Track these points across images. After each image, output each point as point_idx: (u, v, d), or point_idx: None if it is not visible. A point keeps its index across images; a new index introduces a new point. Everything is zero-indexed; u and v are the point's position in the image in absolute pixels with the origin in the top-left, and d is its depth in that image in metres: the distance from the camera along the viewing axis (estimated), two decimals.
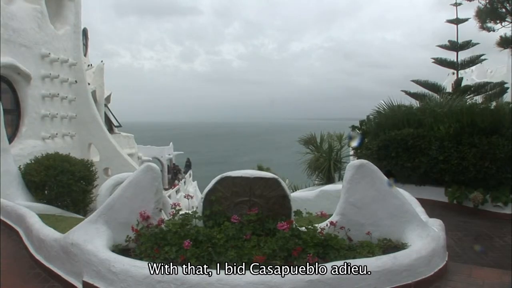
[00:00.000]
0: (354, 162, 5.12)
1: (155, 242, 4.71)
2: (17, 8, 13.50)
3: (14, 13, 13.13)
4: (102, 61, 23.09)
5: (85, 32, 21.94)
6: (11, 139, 12.56)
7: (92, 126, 17.53)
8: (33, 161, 10.34)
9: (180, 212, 5.29)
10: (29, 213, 7.26)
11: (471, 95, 17.78)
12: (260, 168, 18.65)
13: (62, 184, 9.75)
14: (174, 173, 33.65)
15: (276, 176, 5.15)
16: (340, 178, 12.64)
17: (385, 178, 5.14)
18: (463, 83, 19.12)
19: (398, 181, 9.85)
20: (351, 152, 13.10)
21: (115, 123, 24.50)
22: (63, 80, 16.01)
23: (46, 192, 9.91)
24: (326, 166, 13.23)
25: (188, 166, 35.99)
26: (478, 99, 17.03)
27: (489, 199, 9.06)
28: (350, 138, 12.68)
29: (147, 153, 31.19)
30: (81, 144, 17.30)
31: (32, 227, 6.35)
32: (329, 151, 13.56)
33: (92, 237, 4.92)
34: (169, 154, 35.87)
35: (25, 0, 14.18)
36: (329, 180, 13.17)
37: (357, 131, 12.69)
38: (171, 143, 36.72)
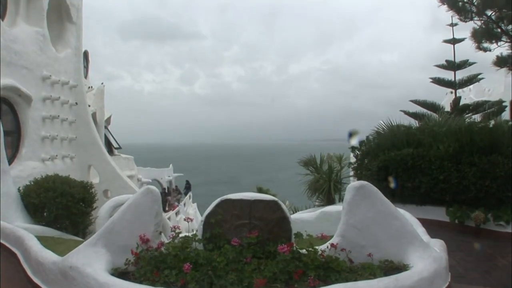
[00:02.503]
0: (354, 183, 5.11)
1: (154, 265, 4.66)
2: (19, 31, 13.67)
3: (16, 36, 13.28)
4: (102, 83, 23.24)
5: (86, 55, 22.14)
6: (11, 160, 12.55)
7: (92, 148, 17.55)
8: (32, 183, 10.31)
9: (180, 235, 5.25)
10: (27, 235, 7.20)
11: (469, 114, 17.86)
12: (260, 190, 18.58)
13: (61, 206, 9.70)
14: (167, 194, 33.49)
15: (276, 199, 5.13)
16: (341, 199, 12.59)
17: (386, 199, 5.12)
18: (462, 102, 19.22)
19: (399, 201, 9.82)
20: (351, 173, 13.08)
21: (115, 145, 24.51)
22: (63, 102, 16.10)
23: (45, 214, 9.86)
24: (326, 188, 13.19)
25: (188, 188, 35.87)
26: (477, 117, 17.09)
27: (491, 218, 9.02)
28: (350, 135, 12.68)
29: (147, 175, 31.11)
30: (81, 166, 17.28)
31: (31, 249, 6.29)
32: (329, 172, 13.53)
33: (91, 260, 4.87)
34: (169, 176, 35.83)
35: (27, 23, 14.38)
36: (330, 201, 13.11)
37: (357, 151, 12.70)
38: (170, 165, 36.70)
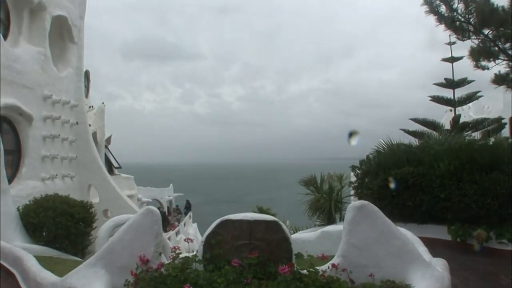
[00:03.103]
0: (354, 203, 5.10)
1: (154, 286, 4.62)
2: (21, 50, 13.81)
3: (18, 56, 13.41)
4: (103, 103, 23.34)
5: (87, 74, 22.30)
6: (10, 179, 12.54)
7: (92, 167, 17.55)
8: (32, 202, 10.29)
9: (180, 256, 5.21)
10: (26, 255, 7.16)
11: (469, 132, 17.87)
12: (260, 209, 18.51)
13: (61, 225, 9.67)
14: (167, 213, 33.32)
15: (276, 219, 5.12)
16: (341, 219, 12.52)
17: (387, 218, 5.10)
18: (461, 120, 19.25)
19: (400, 220, 9.76)
20: (352, 192, 13.03)
21: (115, 165, 24.50)
22: (64, 121, 16.16)
23: (44, 233, 9.82)
24: (327, 207, 13.12)
25: (188, 207, 35.71)
26: (477, 135, 17.09)
27: (493, 236, 8.95)
28: (350, 135, 12.63)
29: (147, 194, 31.02)
30: (81, 185, 17.25)
31: (29, 270, 6.25)
32: (329, 192, 13.48)
33: (91, 281, 4.83)
34: (169, 196, 35.74)
35: (29, 42, 14.53)
36: (330, 221, 13.04)
37: (357, 170, 12.67)
38: (171, 185, 36.67)
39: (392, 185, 10.43)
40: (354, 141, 12.36)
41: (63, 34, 17.28)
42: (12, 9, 14.09)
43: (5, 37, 13.36)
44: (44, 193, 10.92)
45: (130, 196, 20.92)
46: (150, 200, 29.16)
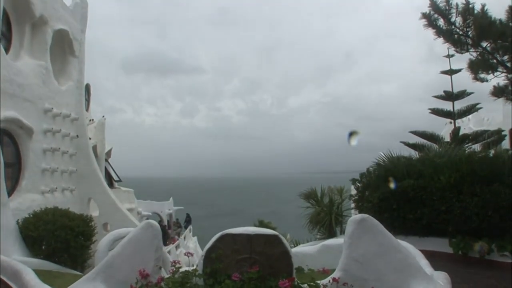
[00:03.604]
0: (355, 216, 5.09)
1: None
2: (23, 64, 13.89)
3: (20, 69, 13.48)
4: (103, 116, 23.38)
5: (87, 88, 22.39)
6: (10, 192, 12.52)
7: (92, 180, 17.52)
8: (31, 215, 10.27)
9: (180, 270, 5.18)
10: (25, 269, 7.12)
11: (469, 144, 17.88)
12: (261, 223, 18.47)
13: (60, 239, 9.63)
14: (166, 228, 33.17)
15: (276, 233, 5.10)
16: (342, 232, 12.48)
17: (387, 232, 5.08)
18: (461, 132, 19.28)
19: (401, 233, 9.72)
20: (353, 205, 13.00)
21: (115, 178, 24.45)
22: (64, 134, 16.18)
23: (43, 247, 9.76)
24: (327, 220, 13.08)
25: (188, 221, 35.55)
26: (477, 147, 17.10)
27: (495, 249, 8.90)
28: (350, 135, 12.59)
29: (147, 208, 30.89)
30: (81, 198, 17.21)
31: (28, 284, 6.21)
32: (330, 205, 13.46)
33: None
34: (169, 209, 35.59)
35: (31, 56, 14.62)
36: (331, 234, 12.99)
37: (357, 183, 12.66)
38: (171, 198, 36.57)
39: (392, 185, 10.41)
40: (354, 141, 12.34)
41: (64, 47, 17.40)
42: (14, 23, 14.22)
43: (6, 50, 13.45)
44: (44, 206, 10.90)
45: (130, 210, 20.84)
46: (150, 213, 29.01)
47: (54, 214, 10.26)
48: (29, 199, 13.28)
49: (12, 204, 11.40)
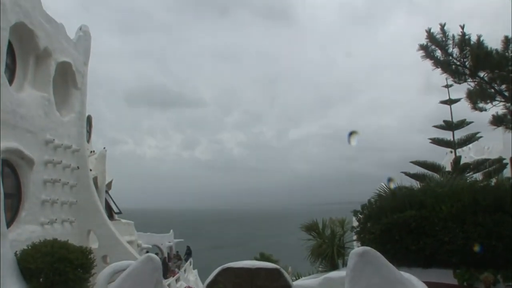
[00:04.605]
0: (357, 249, 5.04)
1: None
2: (26, 95, 14.03)
3: (22, 100, 13.61)
4: (104, 148, 23.43)
5: (89, 120, 22.53)
6: (9, 223, 12.41)
7: (92, 212, 17.40)
8: (30, 247, 10.14)
9: None
10: None
11: (471, 173, 17.84)
12: (262, 256, 18.25)
13: (59, 271, 9.47)
14: (166, 260, 32.76)
15: (278, 266, 5.06)
16: (344, 264, 12.33)
17: (390, 264, 5.01)
18: (462, 161, 19.27)
19: (404, 264, 9.57)
20: (354, 237, 12.88)
21: (116, 210, 24.29)
22: (65, 165, 16.17)
23: (41, 279, 9.60)
24: (329, 252, 12.92)
25: (189, 254, 35.12)
26: (478, 176, 17.04)
27: (501, 279, 8.75)
28: (350, 135, 12.47)
29: (147, 240, 30.68)
30: (80, 230, 17.04)
31: None
32: (331, 237, 13.33)
33: None
34: (169, 242, 35.33)
35: (34, 87, 14.78)
36: (333, 266, 12.81)
37: (359, 215, 12.57)
38: (171, 231, 36.37)
39: (392, 185, 10.27)
40: (354, 141, 12.26)
41: (67, 79, 17.61)
42: (19, 55, 14.44)
43: (10, 82, 13.61)
44: (43, 238, 10.76)
45: (130, 242, 20.61)
46: (150, 246, 28.74)
47: (53, 246, 10.13)
48: (28, 231, 13.15)
49: (11, 236, 11.29)
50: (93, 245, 16.61)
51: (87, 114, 19.74)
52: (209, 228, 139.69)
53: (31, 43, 14.56)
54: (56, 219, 15.07)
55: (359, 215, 12.45)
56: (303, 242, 14.09)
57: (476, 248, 8.83)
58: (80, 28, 19.06)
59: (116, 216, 23.86)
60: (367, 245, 9.69)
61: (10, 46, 13.39)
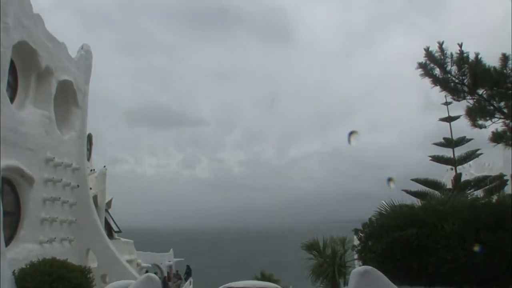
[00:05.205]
0: (358, 268, 5.01)
1: None
2: (27, 113, 14.11)
3: (24, 118, 13.69)
4: (104, 166, 23.43)
5: (89, 138, 22.58)
6: (8, 241, 12.35)
7: (92, 231, 17.33)
8: (28, 266, 10.06)
9: None
10: None
11: (471, 190, 17.76)
12: (263, 275, 18.12)
13: None
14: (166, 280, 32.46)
15: (279, 287, 5.02)
16: (345, 284, 12.20)
17: (392, 284, 4.97)
18: (462, 178, 19.21)
19: (406, 283, 9.46)
20: (356, 256, 12.77)
21: (115, 229, 24.19)
22: (65, 184, 16.16)
23: None
24: (330, 272, 12.81)
25: (189, 273, 34.79)
26: (479, 193, 16.97)
27: None
28: (350, 134, 12.36)
29: (147, 259, 30.46)
30: (80, 249, 16.94)
31: None
32: (332, 256, 13.23)
33: None
34: (169, 261, 35.09)
35: (35, 106, 14.88)
36: (334, 286, 12.70)
37: (360, 234, 12.48)
38: (171, 250, 36.16)
39: (392, 186, 10.17)
40: (354, 141, 12.18)
41: (68, 98, 17.73)
42: (21, 73, 14.58)
43: (12, 100, 13.71)
44: (42, 257, 10.70)
45: (130, 261, 20.46)
46: (150, 265, 28.51)
47: (51, 265, 10.06)
48: (26, 249, 13.08)
49: (9, 254, 11.22)
50: (92, 264, 16.49)
51: (87, 133, 19.80)
52: (209, 247, 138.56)
53: (33, 62, 14.71)
54: (55, 238, 14.99)
55: (360, 234, 12.35)
56: (304, 261, 13.99)
57: (476, 248, 8.74)
58: (82, 47, 19.27)
59: (115, 235, 23.73)
60: (368, 264, 9.58)
61: (12, 64, 13.52)
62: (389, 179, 10.38)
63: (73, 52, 18.25)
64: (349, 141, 12.40)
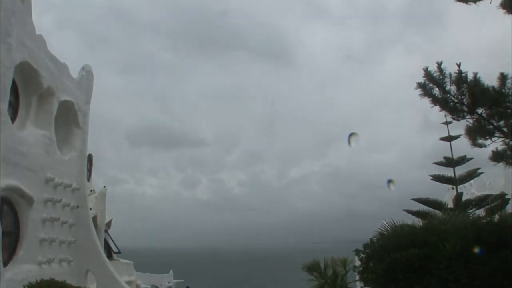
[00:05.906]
0: None
1: None
2: (28, 133, 14.15)
3: (24, 139, 13.72)
4: (104, 187, 23.39)
5: (89, 158, 22.59)
6: (6, 262, 12.26)
7: (91, 252, 17.20)
8: (26, 287, 9.96)
9: None
10: None
11: (473, 209, 17.69)
12: None
13: None
14: None
15: None
16: None
17: None
18: (464, 197, 19.15)
19: None
20: (357, 277, 12.65)
21: (115, 249, 24.04)
22: (65, 204, 16.11)
23: None
24: None
25: None
26: (481, 212, 16.90)
27: None
28: (350, 136, 12.25)
29: (146, 281, 30.24)
30: (78, 270, 16.78)
31: None
32: (333, 277, 13.09)
33: None
34: (169, 282, 34.87)
35: (36, 126, 14.92)
36: None
37: (361, 254, 12.38)
38: (171, 271, 35.93)
39: (392, 187, 10.04)
40: (353, 142, 12.10)
41: (68, 118, 17.80)
42: (22, 93, 14.66)
43: (13, 120, 13.76)
44: (40, 278, 10.60)
45: (129, 282, 20.26)
46: (149, 286, 28.28)
47: (50, 286, 10.00)
48: (25, 270, 12.95)
49: (7, 275, 11.14)
50: (91, 285, 16.34)
51: (88, 153, 19.82)
52: (210, 268, 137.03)
53: (35, 82, 14.82)
54: (54, 259, 14.87)
55: (361, 255, 12.25)
56: (305, 282, 13.85)
57: (476, 250, 8.64)
58: (83, 68, 19.44)
59: (115, 256, 23.56)
60: (370, 285, 9.45)
61: (14, 84, 13.62)
62: (389, 181, 10.29)
63: (74, 72, 18.40)
64: (349, 142, 12.37)
